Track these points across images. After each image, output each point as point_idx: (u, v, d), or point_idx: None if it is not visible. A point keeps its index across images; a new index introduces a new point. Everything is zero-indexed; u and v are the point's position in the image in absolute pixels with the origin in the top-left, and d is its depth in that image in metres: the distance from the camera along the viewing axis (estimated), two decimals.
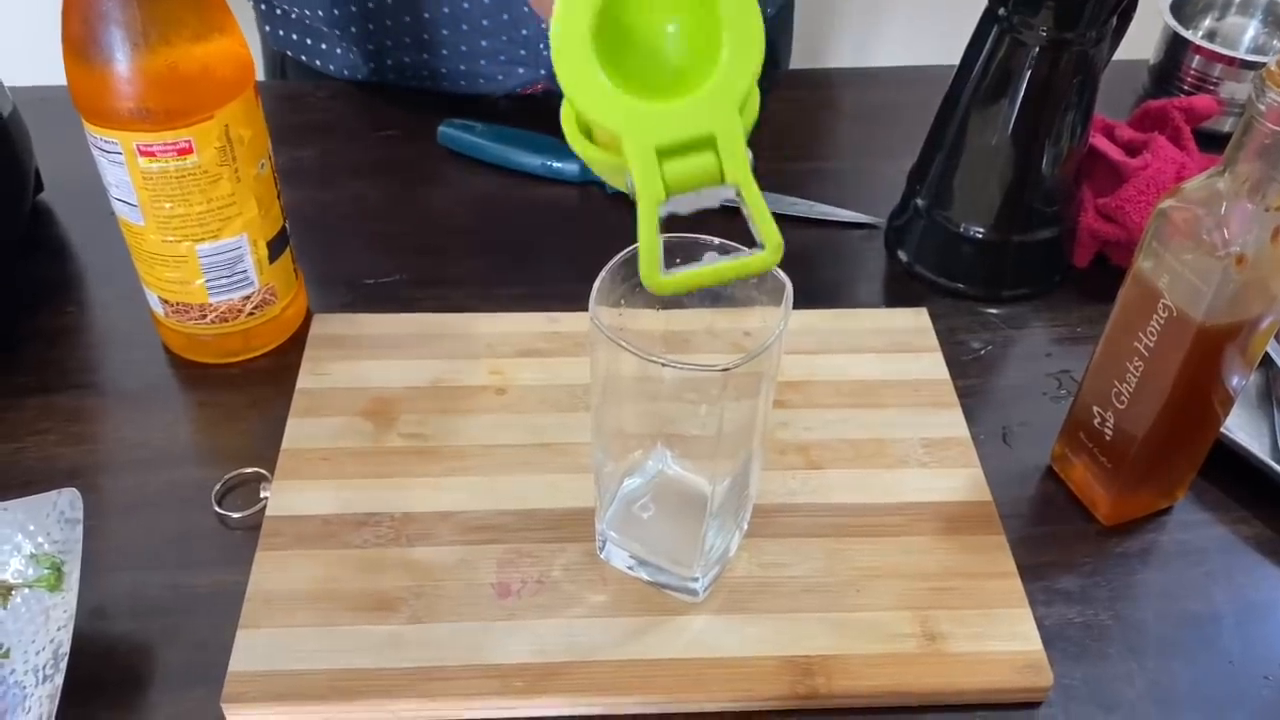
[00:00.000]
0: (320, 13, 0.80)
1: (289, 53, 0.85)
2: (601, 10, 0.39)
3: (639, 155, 0.38)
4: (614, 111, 0.39)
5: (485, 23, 0.75)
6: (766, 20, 0.39)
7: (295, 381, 0.61)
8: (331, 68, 0.84)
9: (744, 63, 0.39)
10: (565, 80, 0.39)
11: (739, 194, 0.39)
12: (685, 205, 0.40)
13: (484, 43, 0.42)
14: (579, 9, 0.39)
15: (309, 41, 0.83)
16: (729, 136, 0.39)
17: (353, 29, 0.80)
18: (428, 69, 0.80)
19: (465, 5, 0.75)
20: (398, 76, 0.82)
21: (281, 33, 0.84)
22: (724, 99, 0.39)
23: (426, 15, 0.77)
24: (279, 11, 0.82)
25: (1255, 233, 0.46)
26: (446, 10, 0.76)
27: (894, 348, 0.64)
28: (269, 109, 0.59)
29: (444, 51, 0.79)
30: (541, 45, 0.73)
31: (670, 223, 0.40)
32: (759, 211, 0.39)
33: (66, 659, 0.45)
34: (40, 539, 0.50)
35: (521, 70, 0.44)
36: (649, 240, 0.38)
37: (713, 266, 0.39)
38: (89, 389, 0.62)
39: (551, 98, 0.44)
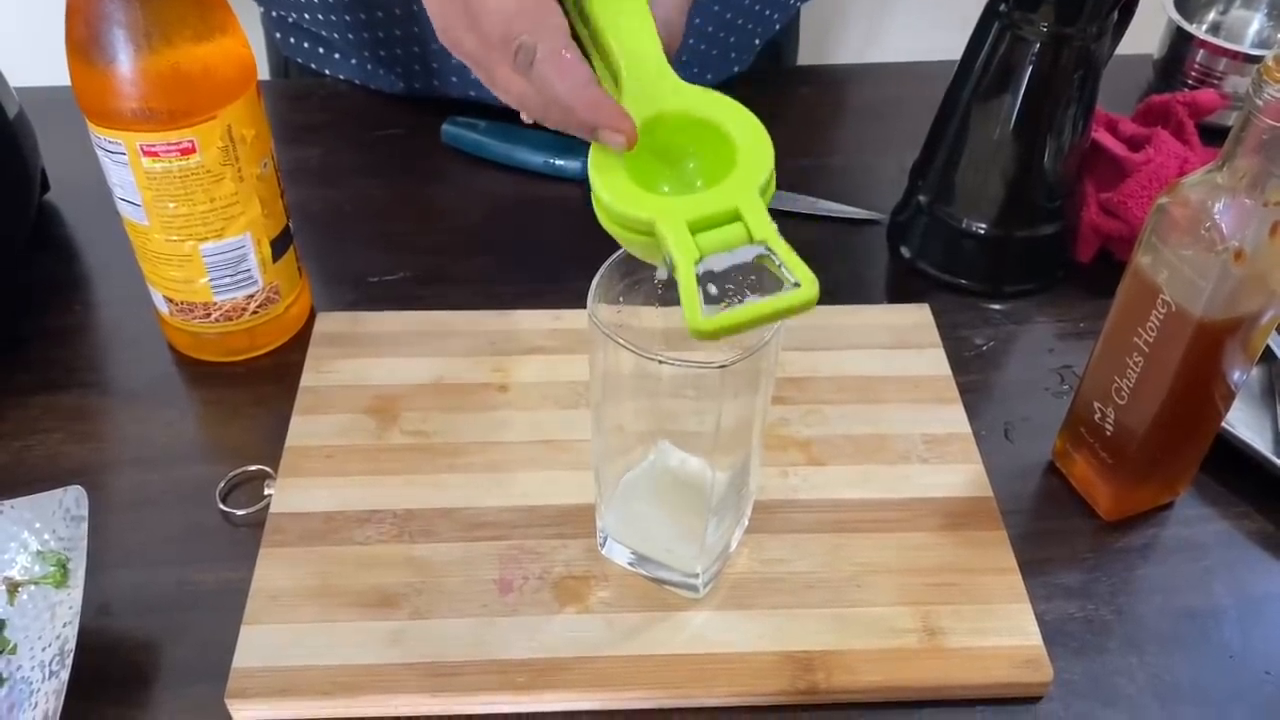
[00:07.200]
0: (336, 35, 0.80)
1: (299, 60, 0.85)
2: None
3: (672, 229, 0.42)
4: (645, 205, 0.43)
5: None
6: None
7: (299, 379, 0.61)
8: (342, 76, 0.84)
9: (759, 161, 0.43)
10: (603, 193, 0.43)
11: (768, 248, 0.41)
12: (720, 263, 0.42)
13: None
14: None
15: (321, 50, 0.83)
16: (752, 207, 0.42)
17: (365, 52, 0.80)
18: (439, 92, 0.81)
19: None
20: (408, 90, 0.82)
21: (293, 40, 0.84)
22: (744, 184, 0.42)
23: (435, 47, 0.77)
24: (290, 20, 0.82)
25: (1253, 228, 0.46)
26: None
27: (896, 343, 0.64)
28: (273, 108, 0.60)
29: (454, 79, 0.79)
30: None
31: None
32: (789, 258, 0.41)
33: (72, 655, 0.45)
34: (46, 536, 0.50)
35: None
36: (689, 291, 0.40)
37: (753, 305, 0.41)
38: (94, 387, 0.63)
39: None
